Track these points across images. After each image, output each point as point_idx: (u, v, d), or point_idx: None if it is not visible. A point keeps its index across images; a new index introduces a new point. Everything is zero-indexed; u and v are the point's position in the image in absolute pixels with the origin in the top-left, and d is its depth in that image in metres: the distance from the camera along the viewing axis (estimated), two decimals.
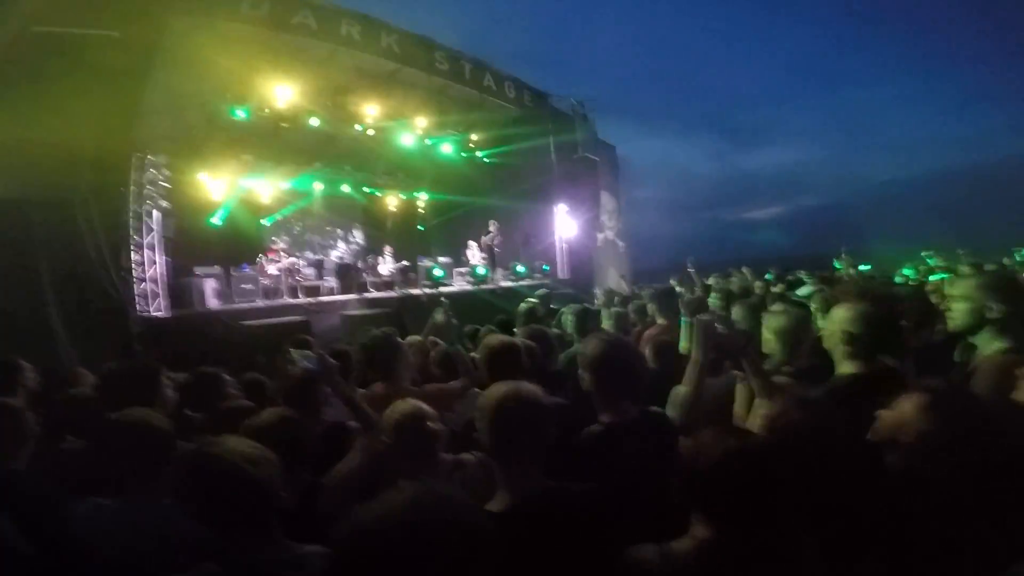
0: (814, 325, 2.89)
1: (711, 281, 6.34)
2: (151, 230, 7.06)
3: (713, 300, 4.13)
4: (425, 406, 1.83)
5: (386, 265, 11.31)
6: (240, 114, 8.71)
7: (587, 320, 3.54)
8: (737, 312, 3.72)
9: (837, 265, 8.55)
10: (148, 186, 7.16)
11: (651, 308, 3.93)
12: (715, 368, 2.47)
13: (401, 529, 0.76)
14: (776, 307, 2.92)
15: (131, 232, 6.58)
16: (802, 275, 6.67)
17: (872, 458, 1.18)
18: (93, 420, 2.07)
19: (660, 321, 3.68)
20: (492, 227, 11.78)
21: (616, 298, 5.66)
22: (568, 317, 3.59)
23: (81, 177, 5.92)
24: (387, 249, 11.76)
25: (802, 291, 4.95)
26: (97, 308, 5.87)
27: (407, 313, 8.16)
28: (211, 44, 7.46)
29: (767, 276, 6.86)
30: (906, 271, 7.77)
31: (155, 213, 7.24)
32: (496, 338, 2.40)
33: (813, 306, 3.37)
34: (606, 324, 3.58)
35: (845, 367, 1.89)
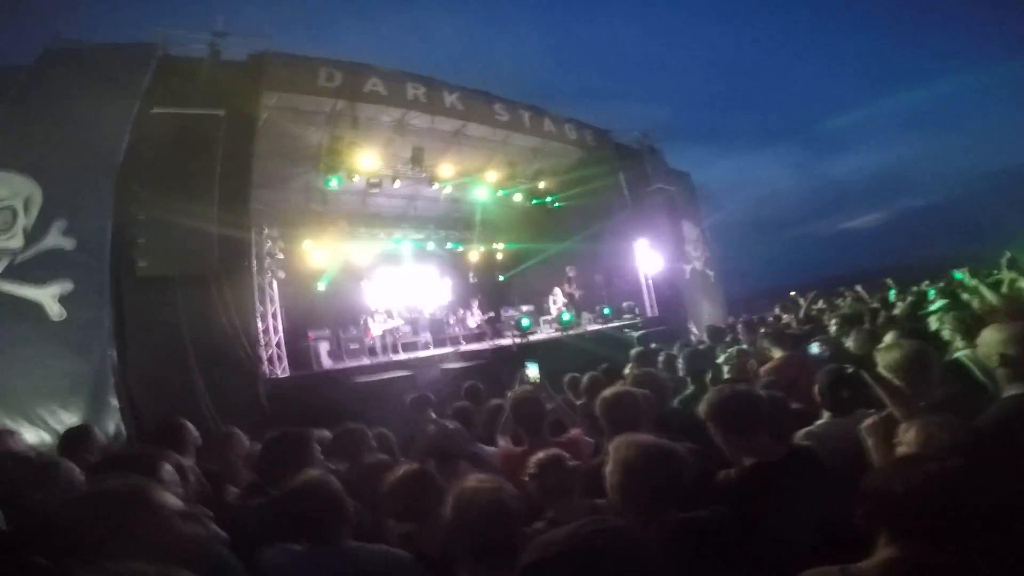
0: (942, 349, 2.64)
1: (822, 304, 5.93)
2: (272, 301, 7.84)
3: (834, 328, 3.88)
4: (566, 453, 1.92)
5: (474, 318, 11.73)
6: (333, 183, 9.34)
7: (697, 361, 3.45)
8: (854, 340, 3.47)
9: (957, 275, 7.55)
10: (267, 258, 8.00)
11: (765, 342, 3.76)
12: (843, 407, 2.33)
13: (577, 556, 0.84)
14: (888, 338, 2.70)
15: (256, 302, 7.30)
16: (928, 288, 6.05)
17: None
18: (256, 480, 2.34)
19: (776, 354, 3.52)
20: (570, 272, 11.83)
21: (720, 334, 5.45)
22: (679, 359, 3.52)
23: (212, 254, 6.51)
24: (474, 302, 12.21)
25: (934, 307, 4.50)
26: (232, 372, 6.47)
27: (499, 363, 8.32)
28: (300, 119, 8.32)
29: (890, 293, 6.22)
30: None
31: (274, 283, 8.05)
32: (612, 391, 2.41)
33: (946, 327, 3.05)
34: (722, 362, 3.45)
35: (1010, 389, 1.80)
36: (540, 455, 1.92)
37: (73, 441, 3.23)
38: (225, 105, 6.72)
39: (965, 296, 4.81)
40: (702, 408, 1.92)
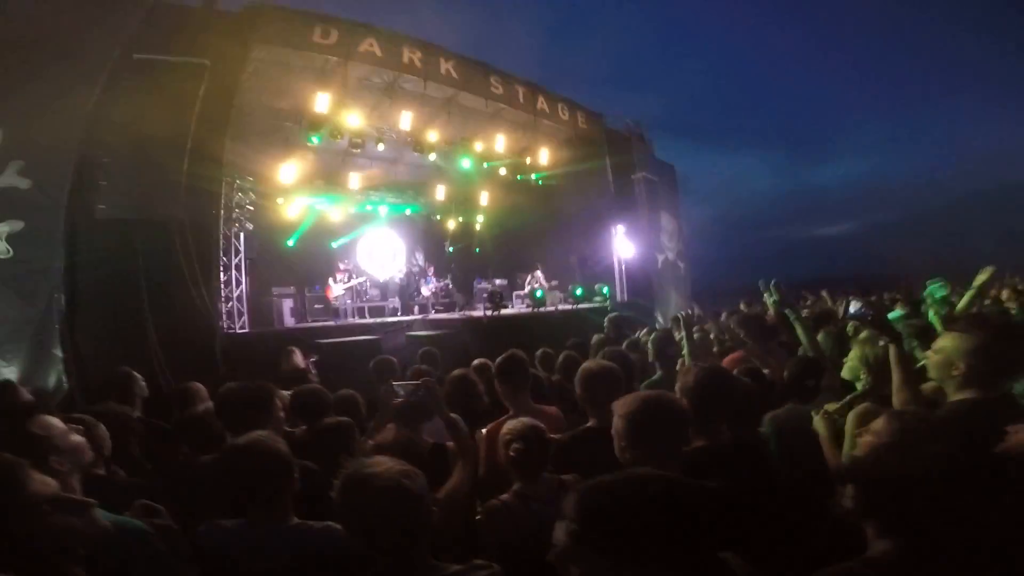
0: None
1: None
2: (238, 252, 7.53)
3: None
4: (543, 426, 1.94)
5: (428, 286, 11.66)
6: (315, 140, 9.06)
7: (667, 346, 3.46)
8: (822, 339, 3.55)
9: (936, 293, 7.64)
10: (236, 209, 7.67)
11: (735, 332, 3.81)
12: (806, 395, 2.42)
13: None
14: (867, 334, 2.78)
15: (220, 253, 7.00)
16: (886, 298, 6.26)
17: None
18: (214, 439, 2.23)
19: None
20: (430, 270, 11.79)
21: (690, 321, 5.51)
22: (648, 343, 3.52)
23: (179, 200, 6.25)
24: (430, 269, 12.20)
25: (891, 315, 4.65)
26: (187, 324, 6.23)
27: (468, 334, 8.26)
28: (288, 74, 8.00)
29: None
30: None
31: (242, 235, 7.73)
32: (595, 363, 2.41)
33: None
34: (686, 349, 3.47)
35: (960, 394, 1.84)
36: (518, 424, 1.88)
37: None
38: (211, 55, 6.44)
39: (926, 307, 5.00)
40: (681, 382, 1.97)
